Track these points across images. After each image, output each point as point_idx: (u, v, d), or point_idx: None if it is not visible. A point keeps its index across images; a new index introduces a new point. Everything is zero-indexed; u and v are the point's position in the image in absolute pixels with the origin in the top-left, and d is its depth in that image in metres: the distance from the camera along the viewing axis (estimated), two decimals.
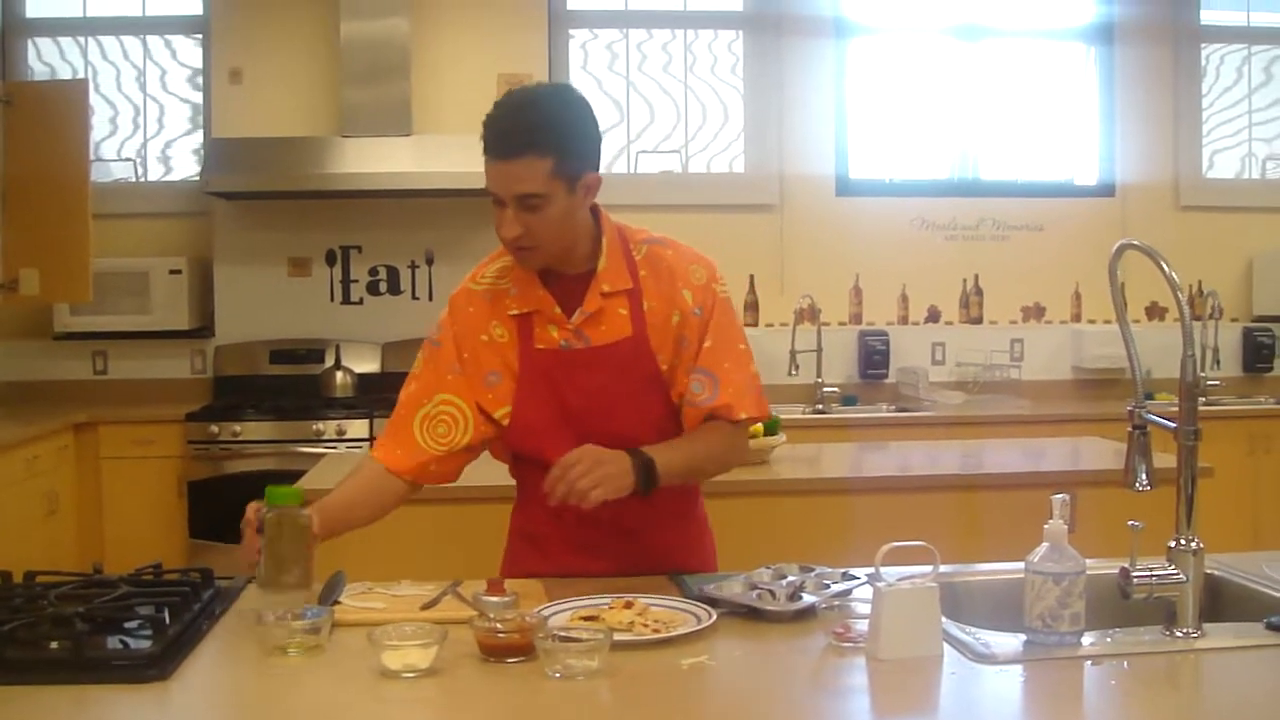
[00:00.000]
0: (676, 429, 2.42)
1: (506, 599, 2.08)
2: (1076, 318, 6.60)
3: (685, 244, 2.48)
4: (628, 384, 2.37)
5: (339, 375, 6.06)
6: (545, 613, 2.05)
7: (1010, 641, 1.95)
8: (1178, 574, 2.01)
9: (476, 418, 2.40)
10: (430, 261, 6.26)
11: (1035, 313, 6.60)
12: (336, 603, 2.15)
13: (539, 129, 2.21)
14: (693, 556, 2.51)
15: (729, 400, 2.39)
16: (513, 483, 2.55)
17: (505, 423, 2.39)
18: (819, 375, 6.18)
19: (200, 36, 6.30)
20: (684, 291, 2.40)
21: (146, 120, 6.36)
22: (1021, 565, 1.95)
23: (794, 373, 6.07)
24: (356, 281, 6.27)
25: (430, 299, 6.25)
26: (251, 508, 2.15)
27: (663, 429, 2.41)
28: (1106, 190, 6.63)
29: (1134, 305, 6.49)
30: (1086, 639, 1.94)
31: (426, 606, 2.13)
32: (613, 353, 2.37)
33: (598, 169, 2.32)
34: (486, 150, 2.23)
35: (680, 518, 2.53)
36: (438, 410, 2.40)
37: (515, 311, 2.38)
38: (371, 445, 2.52)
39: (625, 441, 2.30)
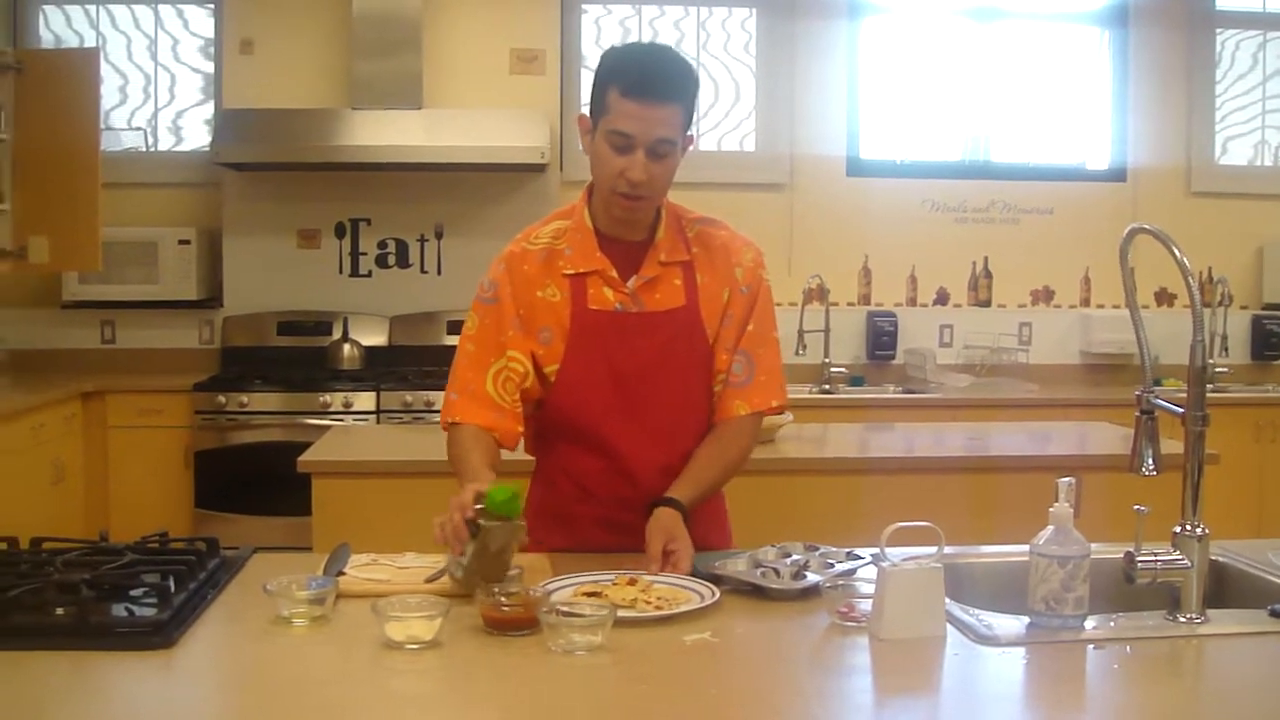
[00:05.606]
0: (711, 405, 2.47)
1: (511, 573, 2.08)
2: (1085, 302, 6.58)
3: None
4: (677, 353, 2.41)
5: (347, 348, 6.07)
6: (549, 587, 2.05)
7: (1013, 624, 1.95)
8: (1182, 559, 2.01)
9: (534, 375, 2.40)
10: (439, 235, 6.24)
11: (1044, 296, 6.58)
12: (341, 574, 2.15)
13: (683, 79, 2.30)
14: (713, 530, 2.53)
15: (762, 388, 2.47)
16: (523, 458, 2.55)
17: (553, 379, 2.40)
18: (826, 355, 6.18)
19: (212, 6, 6.28)
20: (736, 270, 2.47)
21: (157, 90, 6.35)
22: (1026, 548, 1.96)
23: (801, 352, 6.07)
24: (365, 254, 6.26)
25: (439, 273, 6.25)
26: (465, 505, 2.05)
27: (701, 404, 2.46)
28: (1118, 175, 6.60)
29: (1143, 291, 6.46)
30: (1089, 623, 1.94)
31: (431, 579, 2.13)
32: (667, 320, 2.40)
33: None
34: (631, 92, 2.24)
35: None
36: (509, 366, 2.39)
37: (570, 271, 2.39)
38: (450, 414, 2.38)
39: (666, 409, 2.39)
